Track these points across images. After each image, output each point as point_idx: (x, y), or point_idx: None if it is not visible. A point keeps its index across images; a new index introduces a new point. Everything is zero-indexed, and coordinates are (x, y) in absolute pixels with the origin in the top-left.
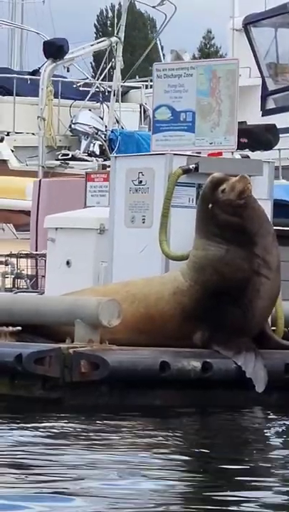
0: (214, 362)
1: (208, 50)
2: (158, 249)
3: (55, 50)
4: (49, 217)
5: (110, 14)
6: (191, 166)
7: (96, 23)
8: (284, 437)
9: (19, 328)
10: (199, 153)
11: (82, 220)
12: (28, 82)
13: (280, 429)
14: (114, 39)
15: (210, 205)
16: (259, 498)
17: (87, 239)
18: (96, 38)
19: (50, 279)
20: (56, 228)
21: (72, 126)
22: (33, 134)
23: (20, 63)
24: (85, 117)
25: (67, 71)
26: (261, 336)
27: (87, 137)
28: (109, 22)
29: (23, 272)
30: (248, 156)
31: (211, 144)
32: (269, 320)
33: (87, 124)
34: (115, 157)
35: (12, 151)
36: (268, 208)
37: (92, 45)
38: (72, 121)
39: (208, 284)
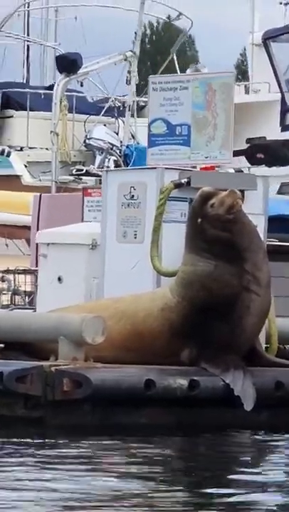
0: (201, 380)
1: (244, 67)
2: (150, 265)
3: (68, 64)
4: (41, 233)
5: (146, 30)
6: (183, 181)
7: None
8: (272, 457)
9: (1, 345)
10: (195, 167)
11: (73, 236)
12: (42, 96)
13: (269, 449)
14: (128, 54)
15: (199, 220)
16: None
17: (78, 254)
18: None
19: (42, 295)
20: (48, 244)
21: (87, 141)
22: (46, 149)
23: (40, 78)
24: (100, 132)
25: (81, 85)
26: (252, 353)
27: (102, 152)
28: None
29: (19, 288)
30: (241, 170)
31: (206, 158)
32: (264, 337)
33: (102, 139)
34: (107, 171)
35: (25, 166)
36: (261, 224)
37: (108, 59)
38: (86, 136)
39: (196, 300)
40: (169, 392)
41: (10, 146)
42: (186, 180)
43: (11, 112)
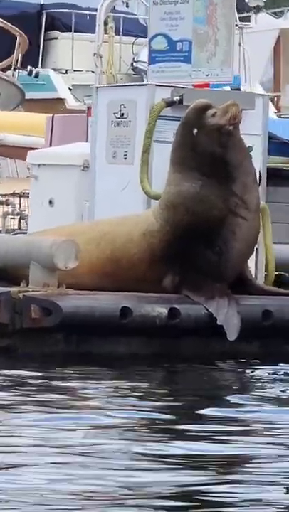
0: (182, 308)
1: None
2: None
3: None
4: (32, 153)
5: None
6: (174, 99)
7: None
8: (260, 390)
9: None
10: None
11: (64, 156)
12: (88, 17)
13: (257, 382)
14: None
15: (195, 131)
16: (237, 454)
17: (69, 176)
18: None
19: (34, 218)
20: (39, 165)
21: (134, 64)
22: (92, 72)
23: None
24: None
25: (126, 6)
26: (240, 280)
27: None
28: None
29: (23, 212)
30: (238, 89)
31: (207, 75)
32: (263, 265)
33: None
34: (97, 87)
35: (70, 89)
36: (259, 145)
37: None
38: (134, 59)
39: (179, 224)
40: (147, 321)
41: (54, 69)
42: (178, 98)
43: (55, 33)
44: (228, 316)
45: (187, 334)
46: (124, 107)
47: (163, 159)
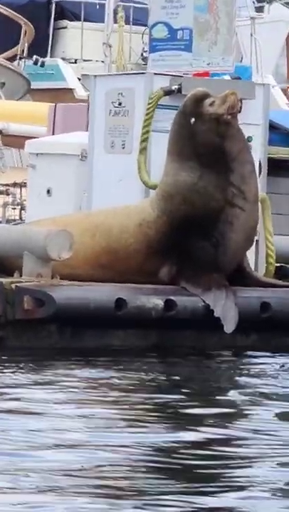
0: (179, 300)
1: None
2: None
3: None
4: (30, 142)
5: None
6: (173, 87)
7: None
8: (257, 383)
9: None
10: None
11: (63, 145)
12: (97, 7)
13: (254, 375)
14: None
15: (192, 120)
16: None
17: (67, 166)
18: None
19: (31, 208)
20: (37, 154)
21: (144, 54)
22: (102, 61)
23: None
24: None
25: None
26: (239, 272)
27: None
28: None
29: (24, 202)
30: (239, 78)
31: (208, 64)
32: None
33: None
34: (95, 76)
35: (79, 79)
36: (259, 135)
37: None
38: (144, 48)
39: (176, 214)
40: (143, 313)
41: (63, 59)
42: (176, 86)
43: (64, 22)
44: (225, 308)
45: (184, 326)
46: (123, 96)
47: (161, 149)
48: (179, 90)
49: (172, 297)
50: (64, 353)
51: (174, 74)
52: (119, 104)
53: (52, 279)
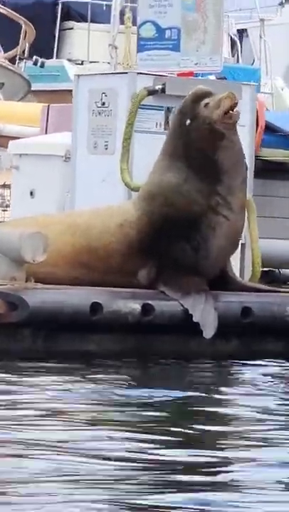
0: (156, 304)
1: None
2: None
3: None
4: (13, 143)
5: None
6: (157, 87)
7: None
8: (236, 389)
9: None
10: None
11: (46, 146)
12: (104, 8)
13: (234, 381)
14: None
15: (188, 122)
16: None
17: (51, 166)
18: None
19: (15, 209)
20: (20, 155)
21: None
22: (108, 63)
23: None
24: None
25: None
26: (221, 277)
27: None
28: None
29: None
30: (224, 78)
31: (196, 64)
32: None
33: None
34: (78, 76)
35: None
36: (246, 136)
37: None
38: None
39: (158, 214)
40: (119, 318)
41: (70, 60)
42: (160, 86)
43: (70, 23)
44: (204, 313)
45: (162, 331)
46: (106, 96)
47: (144, 150)
48: (163, 90)
49: (150, 301)
50: (37, 357)
51: (157, 73)
52: (103, 104)
53: (26, 283)
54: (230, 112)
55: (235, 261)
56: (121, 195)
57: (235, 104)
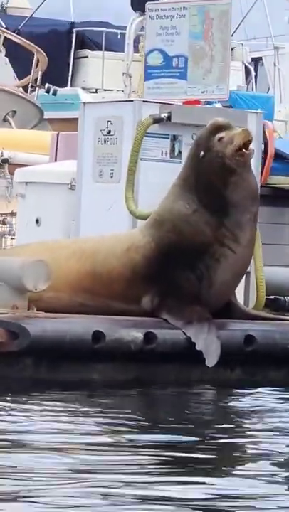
0: (159, 332)
1: None
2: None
3: (142, 2)
4: (19, 171)
5: None
6: (162, 115)
7: None
8: (240, 418)
9: None
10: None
11: (52, 174)
12: (119, 36)
13: (237, 410)
14: None
15: (202, 154)
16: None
17: (57, 195)
18: None
19: (20, 238)
20: (26, 183)
21: None
22: (122, 91)
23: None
24: None
25: None
26: (226, 305)
27: None
28: None
29: None
30: (231, 106)
31: (202, 92)
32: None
33: None
34: (84, 104)
35: None
36: (252, 162)
37: None
38: None
39: (165, 241)
40: (122, 346)
41: (84, 88)
42: (166, 115)
43: (85, 51)
44: (207, 341)
45: (164, 360)
46: (111, 124)
47: (149, 178)
48: (169, 118)
49: (152, 330)
50: (39, 386)
51: (163, 102)
52: (108, 132)
53: (28, 311)
54: (244, 150)
55: (239, 288)
56: (126, 223)
57: (250, 142)
